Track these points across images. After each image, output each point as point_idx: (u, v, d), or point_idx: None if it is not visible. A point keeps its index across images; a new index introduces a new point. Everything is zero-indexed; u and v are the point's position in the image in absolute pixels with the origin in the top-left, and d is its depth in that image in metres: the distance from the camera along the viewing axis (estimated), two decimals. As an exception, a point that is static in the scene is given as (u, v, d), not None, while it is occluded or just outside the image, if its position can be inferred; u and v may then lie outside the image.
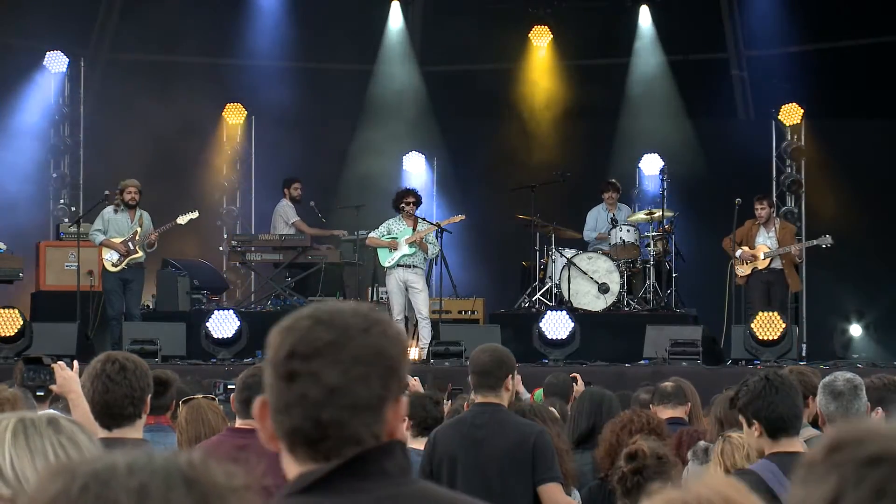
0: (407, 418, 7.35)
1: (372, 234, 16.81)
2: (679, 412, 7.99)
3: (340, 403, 2.39)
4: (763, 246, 16.83)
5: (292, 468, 2.43)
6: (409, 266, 16.46)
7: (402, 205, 16.64)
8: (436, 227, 16.81)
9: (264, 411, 2.44)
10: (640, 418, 6.67)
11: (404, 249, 16.47)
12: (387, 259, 16.56)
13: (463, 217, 17.09)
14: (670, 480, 5.43)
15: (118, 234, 16.47)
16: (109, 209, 16.61)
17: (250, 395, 6.26)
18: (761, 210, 16.84)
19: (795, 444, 5.27)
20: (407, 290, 16.46)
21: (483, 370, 6.52)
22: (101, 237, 16.49)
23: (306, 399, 2.39)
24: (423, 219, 16.92)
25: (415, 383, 8.51)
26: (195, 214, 17.10)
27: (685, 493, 1.98)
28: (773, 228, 16.88)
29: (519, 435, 6.44)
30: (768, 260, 16.76)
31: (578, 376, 10.26)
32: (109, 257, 16.45)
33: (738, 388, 5.34)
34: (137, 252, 16.46)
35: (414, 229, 16.52)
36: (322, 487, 2.38)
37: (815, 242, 17.29)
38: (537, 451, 6.38)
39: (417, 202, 16.72)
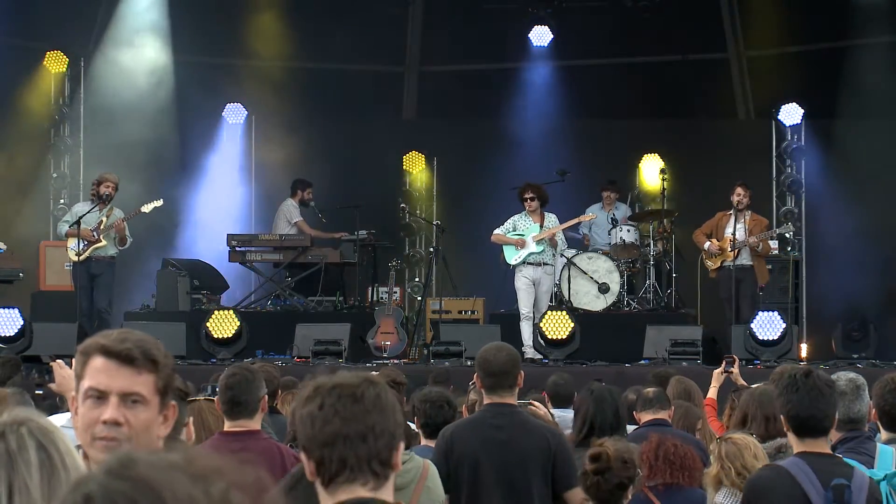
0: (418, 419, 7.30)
1: (497, 231, 16.46)
2: (662, 414, 7.88)
3: None
4: (728, 237, 16.43)
5: None
6: (538, 264, 16.21)
7: (523, 200, 16.37)
8: (569, 226, 16.71)
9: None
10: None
11: (532, 247, 16.21)
12: (513, 256, 16.30)
13: (595, 216, 16.88)
14: (633, 485, 5.40)
15: (85, 226, 16.42)
16: (81, 203, 16.61)
17: (234, 395, 6.23)
18: (742, 197, 16.42)
19: (822, 445, 5.19)
20: (534, 286, 16.22)
21: (500, 370, 6.43)
22: (65, 228, 16.52)
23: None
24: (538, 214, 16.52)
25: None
26: (159, 202, 16.87)
27: None
28: (744, 220, 16.50)
29: (541, 437, 6.42)
30: (736, 251, 16.37)
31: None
32: (73, 247, 16.38)
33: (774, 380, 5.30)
34: (101, 241, 16.41)
35: (541, 225, 16.26)
36: None
37: (778, 231, 17.23)
38: (560, 456, 6.37)
39: (539, 197, 16.29)
